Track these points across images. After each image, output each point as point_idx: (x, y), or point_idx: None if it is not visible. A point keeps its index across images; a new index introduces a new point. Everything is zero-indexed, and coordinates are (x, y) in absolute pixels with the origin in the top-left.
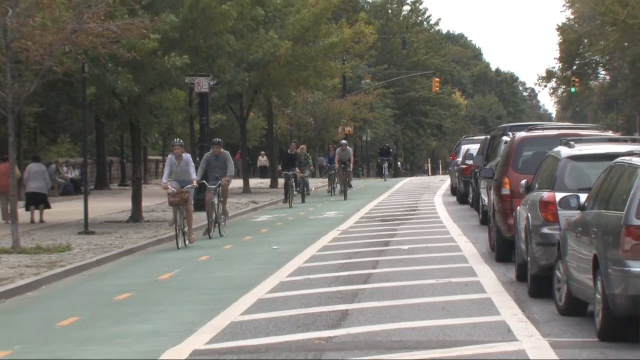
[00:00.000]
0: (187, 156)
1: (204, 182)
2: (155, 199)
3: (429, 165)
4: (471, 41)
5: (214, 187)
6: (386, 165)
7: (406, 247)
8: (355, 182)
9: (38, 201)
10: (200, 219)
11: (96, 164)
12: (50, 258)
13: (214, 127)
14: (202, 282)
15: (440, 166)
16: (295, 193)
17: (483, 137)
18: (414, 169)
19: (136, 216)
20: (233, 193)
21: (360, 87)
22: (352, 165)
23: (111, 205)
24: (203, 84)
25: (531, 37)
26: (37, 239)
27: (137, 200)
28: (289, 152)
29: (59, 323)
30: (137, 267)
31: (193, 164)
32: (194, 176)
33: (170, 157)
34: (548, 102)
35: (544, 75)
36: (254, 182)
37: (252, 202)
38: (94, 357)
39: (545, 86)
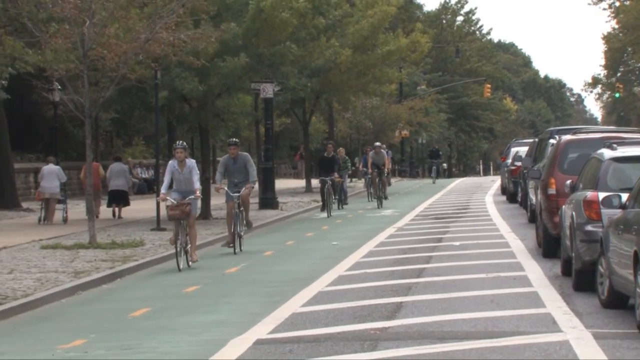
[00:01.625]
0: (191, 162)
1: (226, 189)
2: (223, 198)
3: (481, 166)
4: (521, 49)
5: (236, 194)
6: (434, 167)
7: (458, 243)
8: (410, 183)
9: (119, 198)
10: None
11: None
12: (124, 253)
13: (278, 130)
14: (266, 276)
15: (491, 167)
16: (334, 200)
17: (531, 140)
18: (466, 170)
19: (205, 213)
20: (296, 192)
21: (415, 92)
22: (387, 169)
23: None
24: (268, 90)
25: (578, 46)
26: (112, 235)
27: (205, 198)
28: (325, 155)
29: (131, 313)
30: (205, 261)
31: (197, 171)
32: (197, 185)
33: (170, 163)
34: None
35: (590, 81)
36: (315, 182)
37: (313, 201)
38: (163, 345)
39: (591, 92)
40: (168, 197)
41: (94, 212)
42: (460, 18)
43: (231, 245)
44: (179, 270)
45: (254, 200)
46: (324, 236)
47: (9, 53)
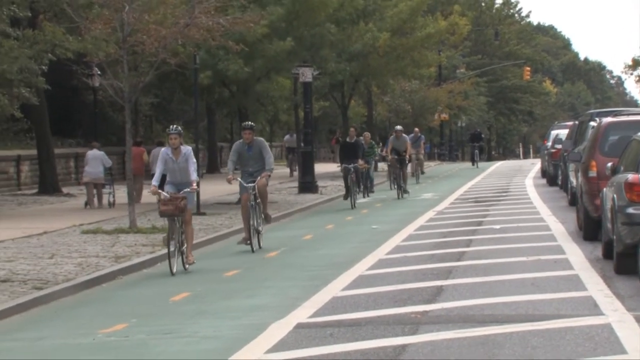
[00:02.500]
0: (187, 149)
1: (238, 179)
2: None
3: (520, 149)
4: (560, 32)
5: (251, 185)
6: (477, 151)
7: (498, 227)
8: (449, 166)
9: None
10: (304, 200)
11: (207, 149)
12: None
13: (317, 115)
14: (306, 260)
15: (531, 150)
16: (357, 190)
17: (571, 123)
18: (506, 153)
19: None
20: (335, 176)
21: (455, 75)
22: (408, 156)
23: (221, 188)
24: (307, 74)
25: (618, 27)
26: (152, 220)
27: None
28: (347, 140)
29: (172, 298)
30: (244, 246)
31: (194, 160)
32: (194, 176)
33: (163, 151)
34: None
35: (630, 63)
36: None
37: None
38: (204, 329)
39: (631, 74)
40: (160, 190)
41: (134, 196)
42: (499, 0)
43: (248, 242)
44: (172, 274)
45: (293, 185)
46: (364, 220)
47: (49, 39)
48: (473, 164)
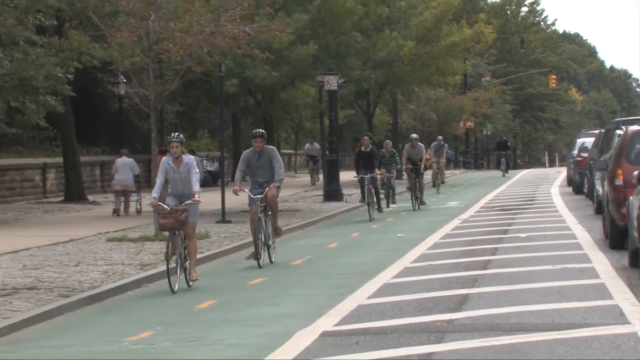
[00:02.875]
0: (189, 158)
1: (246, 190)
2: (287, 190)
3: (546, 157)
4: (586, 40)
5: (259, 196)
6: (503, 159)
7: (524, 235)
8: (474, 175)
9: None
10: (329, 208)
11: (233, 157)
12: None
13: (342, 123)
14: (331, 268)
15: (557, 158)
16: (374, 203)
17: (597, 131)
18: (532, 161)
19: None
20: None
21: (480, 83)
22: (423, 165)
23: (247, 195)
24: (332, 82)
25: None
26: None
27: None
28: (362, 148)
29: (197, 305)
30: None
31: (197, 170)
32: (197, 187)
33: (164, 160)
34: None
35: None
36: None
37: None
38: (230, 338)
39: None
40: (160, 203)
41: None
42: (524, 9)
43: (258, 257)
44: (173, 292)
45: (317, 193)
46: (389, 228)
47: (76, 47)
48: (502, 174)
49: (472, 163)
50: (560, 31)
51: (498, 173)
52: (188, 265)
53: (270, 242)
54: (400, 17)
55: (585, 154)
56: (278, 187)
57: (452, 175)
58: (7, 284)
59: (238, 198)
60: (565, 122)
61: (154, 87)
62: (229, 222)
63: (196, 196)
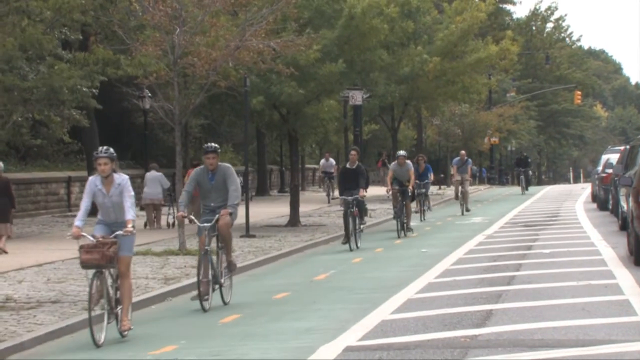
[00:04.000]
0: (122, 178)
1: (191, 217)
2: (311, 205)
3: (571, 173)
4: (611, 56)
5: (207, 225)
6: (523, 177)
7: (548, 251)
8: (498, 190)
9: None
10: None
11: (257, 171)
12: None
13: (366, 137)
14: (355, 282)
15: (581, 174)
16: (361, 227)
17: (622, 147)
18: (556, 177)
19: (294, 220)
20: (384, 199)
21: (505, 99)
22: (411, 186)
23: (271, 210)
24: (357, 97)
25: None
26: None
27: (294, 205)
28: (347, 165)
29: (221, 320)
30: (294, 268)
31: (131, 192)
32: (131, 214)
33: (91, 180)
34: None
35: None
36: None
37: None
38: (253, 352)
39: None
40: (84, 233)
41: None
42: (550, 25)
43: (204, 299)
44: (97, 346)
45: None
46: (413, 243)
47: (101, 59)
48: (522, 191)
49: (496, 179)
50: (586, 47)
51: (519, 190)
52: (120, 312)
53: (223, 280)
54: (425, 32)
55: (610, 170)
56: (232, 214)
57: (477, 191)
58: (32, 297)
59: (261, 212)
60: (590, 138)
61: (179, 101)
62: (254, 236)
63: (129, 225)
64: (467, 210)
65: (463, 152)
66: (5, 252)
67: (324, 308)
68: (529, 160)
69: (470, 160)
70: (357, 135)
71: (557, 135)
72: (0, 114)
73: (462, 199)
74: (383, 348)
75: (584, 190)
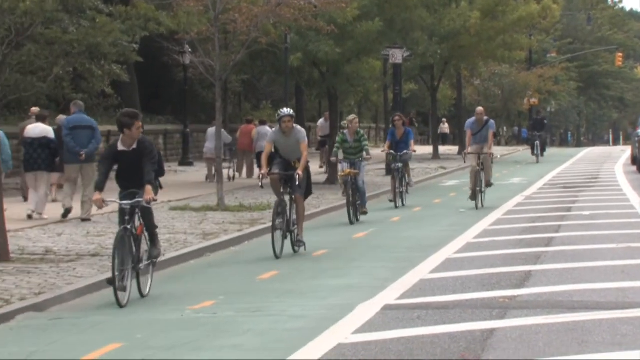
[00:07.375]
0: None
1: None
2: None
3: (610, 135)
4: None
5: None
6: (538, 142)
7: (587, 213)
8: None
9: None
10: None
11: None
12: (252, 216)
13: (405, 97)
14: (394, 241)
15: (621, 137)
16: (408, 187)
17: None
18: (595, 140)
19: (332, 178)
20: (423, 158)
21: (545, 60)
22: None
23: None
24: (397, 56)
25: None
26: (239, 198)
27: (332, 163)
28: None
29: (259, 276)
30: (333, 226)
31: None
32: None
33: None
34: None
35: None
36: (442, 149)
37: (440, 168)
38: (292, 309)
39: None
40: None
41: (222, 174)
42: None
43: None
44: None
45: (380, 167)
46: (452, 203)
47: (143, 14)
48: (536, 159)
49: None
50: (628, 9)
51: (561, 150)
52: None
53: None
54: None
55: None
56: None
57: (516, 151)
58: (71, 250)
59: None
60: (630, 100)
61: (220, 57)
62: None
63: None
64: (483, 190)
65: (481, 108)
66: (56, 201)
67: (363, 266)
68: (546, 122)
69: (492, 121)
70: (396, 95)
71: (597, 97)
72: (42, 67)
73: (478, 174)
74: (422, 307)
75: (624, 152)
